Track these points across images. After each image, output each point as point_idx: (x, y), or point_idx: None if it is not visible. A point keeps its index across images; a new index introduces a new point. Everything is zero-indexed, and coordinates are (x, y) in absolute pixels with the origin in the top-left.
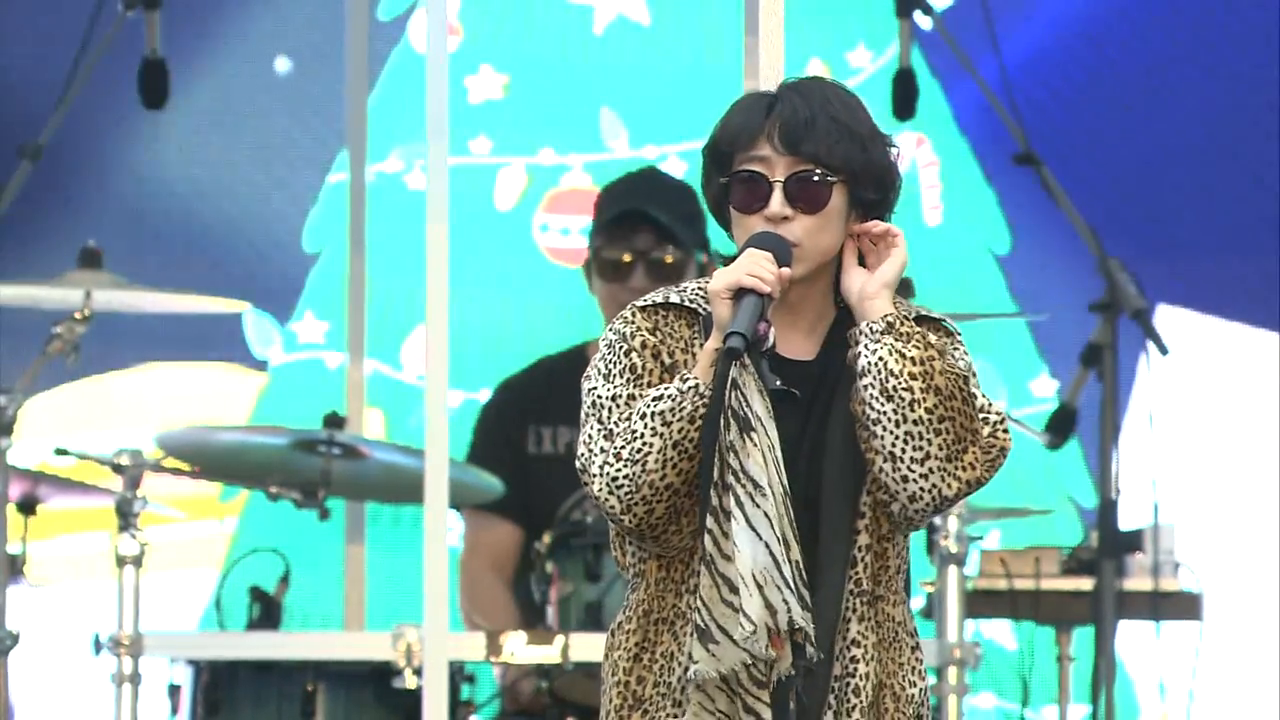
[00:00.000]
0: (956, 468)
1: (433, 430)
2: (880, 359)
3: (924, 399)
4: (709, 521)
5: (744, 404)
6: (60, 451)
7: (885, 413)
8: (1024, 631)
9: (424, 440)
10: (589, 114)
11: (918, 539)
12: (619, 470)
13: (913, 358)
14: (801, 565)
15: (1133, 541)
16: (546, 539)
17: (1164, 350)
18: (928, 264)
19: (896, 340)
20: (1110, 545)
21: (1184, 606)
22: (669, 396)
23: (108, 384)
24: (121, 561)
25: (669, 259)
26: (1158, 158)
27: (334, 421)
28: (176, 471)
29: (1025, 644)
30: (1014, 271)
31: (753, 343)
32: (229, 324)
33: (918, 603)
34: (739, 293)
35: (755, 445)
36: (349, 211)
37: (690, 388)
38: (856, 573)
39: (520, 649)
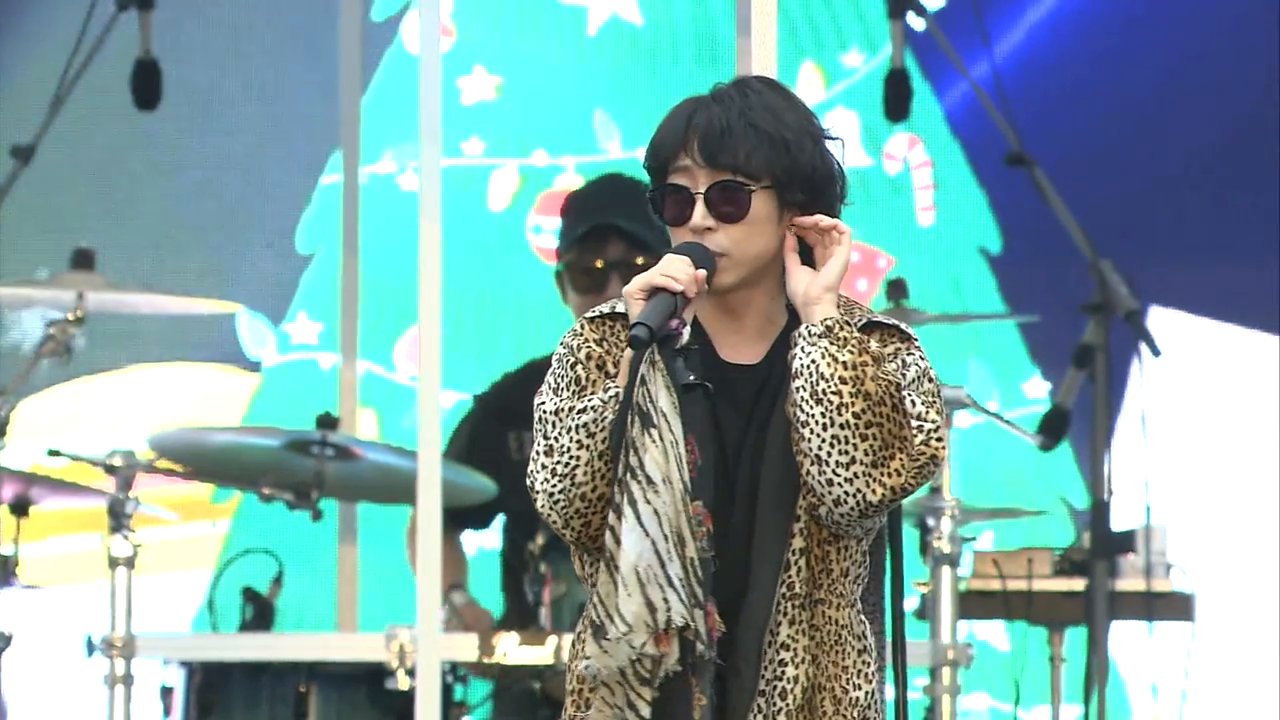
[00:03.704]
0: (882, 474)
1: (426, 431)
2: (813, 361)
3: (852, 403)
4: (610, 518)
5: (647, 399)
6: (53, 453)
7: (814, 415)
8: (1017, 632)
9: (417, 441)
10: (582, 115)
11: (911, 540)
12: (554, 485)
13: (845, 362)
14: (697, 562)
15: (1125, 542)
16: (540, 540)
17: (1156, 352)
18: (920, 264)
19: (832, 344)
20: (1103, 546)
21: (1176, 607)
22: (592, 408)
23: (101, 385)
24: (114, 563)
25: (641, 260)
26: (1150, 158)
27: (327, 422)
28: (169, 472)
29: (1018, 645)
30: (1006, 272)
31: (662, 337)
32: (222, 325)
33: (911, 603)
34: (652, 292)
35: (655, 441)
36: (342, 213)
37: (611, 397)
38: (789, 576)
39: (513, 650)
